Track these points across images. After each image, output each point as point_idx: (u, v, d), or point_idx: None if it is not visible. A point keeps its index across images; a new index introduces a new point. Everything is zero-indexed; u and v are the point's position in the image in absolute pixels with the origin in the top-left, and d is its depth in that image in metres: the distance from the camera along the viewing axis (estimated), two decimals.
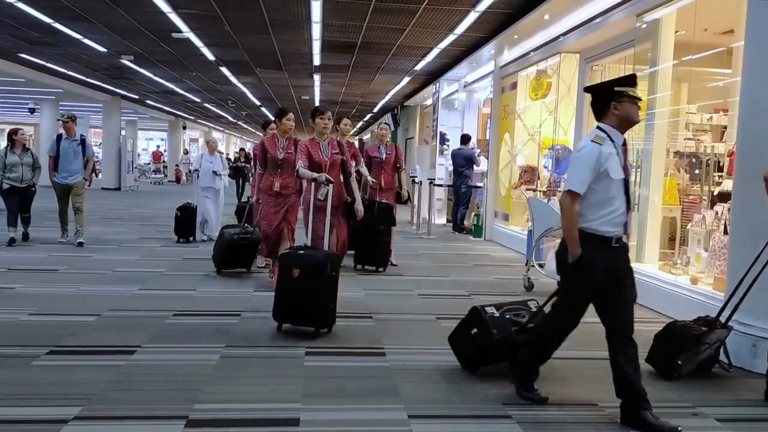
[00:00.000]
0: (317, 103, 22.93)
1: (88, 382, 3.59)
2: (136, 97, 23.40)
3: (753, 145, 4.39)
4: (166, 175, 32.05)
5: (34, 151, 9.02)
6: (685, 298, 5.53)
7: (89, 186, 9.12)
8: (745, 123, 4.50)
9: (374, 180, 7.78)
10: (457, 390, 3.70)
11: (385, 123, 8.43)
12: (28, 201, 8.82)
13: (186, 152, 34.38)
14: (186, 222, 9.52)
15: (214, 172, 9.59)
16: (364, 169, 7.53)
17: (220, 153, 10.88)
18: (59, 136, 8.86)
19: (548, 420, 3.34)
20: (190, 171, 33.96)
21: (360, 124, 31.42)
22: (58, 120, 8.96)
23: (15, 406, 3.27)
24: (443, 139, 14.77)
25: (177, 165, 31.48)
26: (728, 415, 3.49)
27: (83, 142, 8.91)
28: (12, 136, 8.78)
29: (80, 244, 8.55)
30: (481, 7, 8.94)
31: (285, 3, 9.30)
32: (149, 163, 34.26)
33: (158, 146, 40.44)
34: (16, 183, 8.58)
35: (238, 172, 17.93)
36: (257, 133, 41.16)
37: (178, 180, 30.30)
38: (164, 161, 33.72)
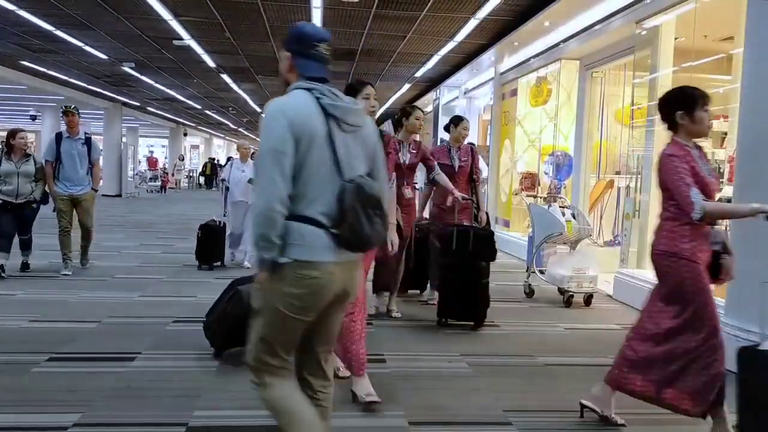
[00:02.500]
0: None
1: (88, 389, 3.59)
2: (138, 104, 23.46)
3: (753, 151, 4.40)
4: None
5: (38, 158, 7.21)
6: None
7: (96, 191, 7.39)
8: (745, 129, 4.51)
9: (463, 195, 5.64)
10: (457, 396, 3.69)
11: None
12: (26, 220, 6.98)
13: (181, 158, 34.10)
14: (210, 244, 7.76)
15: (252, 182, 7.57)
16: (443, 178, 5.60)
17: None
18: (59, 136, 7.12)
19: (549, 427, 3.33)
20: (190, 177, 34.27)
21: None
22: (62, 112, 7.23)
23: (15, 412, 3.26)
24: (442, 145, 14.77)
25: (165, 172, 30.10)
26: (730, 421, 3.47)
27: (89, 142, 7.19)
28: (9, 139, 6.92)
29: (84, 265, 7.34)
30: (482, 14, 8.97)
31: (285, 10, 9.34)
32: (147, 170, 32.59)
33: (151, 152, 37.19)
34: (9, 198, 6.73)
35: None
36: (258, 139, 41.24)
37: (163, 188, 28.11)
38: (165, 168, 33.12)
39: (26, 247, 7.14)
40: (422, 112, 5.67)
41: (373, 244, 2.30)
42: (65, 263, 7.13)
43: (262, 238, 2.15)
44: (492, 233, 5.46)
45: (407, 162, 5.39)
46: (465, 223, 5.70)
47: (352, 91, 3.54)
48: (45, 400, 3.45)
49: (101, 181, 7.58)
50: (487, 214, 6.19)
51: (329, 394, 2.45)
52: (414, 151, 5.43)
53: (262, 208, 2.14)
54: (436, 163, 5.57)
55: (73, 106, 7.22)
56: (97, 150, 7.33)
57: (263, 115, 2.24)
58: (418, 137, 5.68)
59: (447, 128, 6.12)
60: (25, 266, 7.15)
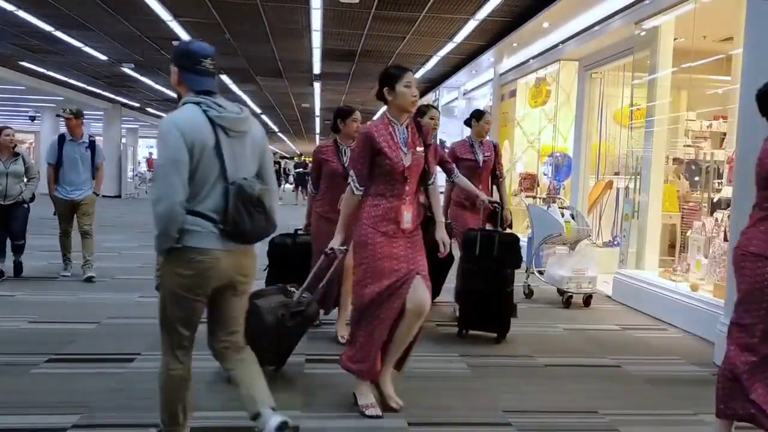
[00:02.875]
0: (317, 111, 23.01)
1: (87, 390, 3.59)
2: (137, 105, 23.45)
3: (752, 151, 4.38)
4: None
5: (28, 158, 6.93)
6: (685, 305, 5.52)
7: (98, 195, 7.09)
8: (744, 130, 4.51)
9: (489, 198, 5.36)
10: (457, 397, 3.68)
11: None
12: (18, 222, 6.69)
13: None
14: None
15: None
16: (463, 181, 5.21)
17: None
18: (61, 138, 6.80)
19: (548, 427, 3.33)
20: None
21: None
22: (58, 116, 6.82)
23: (14, 414, 3.26)
24: (443, 146, 14.78)
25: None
26: None
27: (92, 145, 6.89)
28: None
29: (90, 279, 6.77)
30: (481, 15, 8.98)
31: (285, 11, 9.34)
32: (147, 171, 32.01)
33: (151, 153, 36.04)
34: None
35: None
36: None
37: None
38: None
39: (19, 250, 6.83)
40: (437, 110, 5.36)
41: (256, 238, 2.67)
42: (65, 264, 7.04)
43: (164, 233, 2.50)
44: (517, 238, 5.10)
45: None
46: (488, 227, 5.36)
47: (391, 78, 3.30)
48: (44, 401, 3.44)
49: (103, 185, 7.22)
50: (510, 213, 5.83)
51: (245, 359, 2.80)
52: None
53: (165, 209, 2.47)
54: (454, 165, 5.20)
55: (71, 109, 6.82)
56: (101, 154, 7.05)
57: (159, 129, 2.60)
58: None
59: (468, 123, 5.79)
60: (18, 267, 6.86)
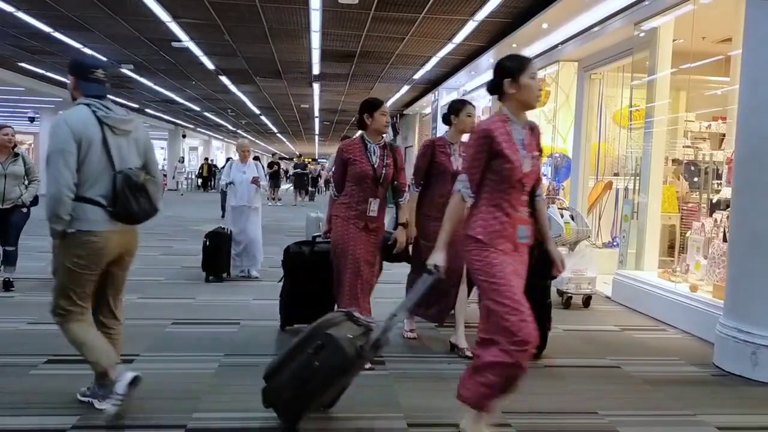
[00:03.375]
0: (316, 113, 23.02)
1: None
2: (136, 105, 23.45)
3: (751, 152, 4.40)
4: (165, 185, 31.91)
5: (29, 158, 6.44)
6: (685, 306, 5.52)
7: None
8: (743, 130, 4.52)
9: None
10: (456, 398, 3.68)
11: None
12: (13, 228, 6.18)
13: (182, 160, 34.00)
14: (219, 254, 7.06)
15: (256, 181, 7.28)
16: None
17: (257, 160, 8.39)
18: None
19: (548, 428, 3.33)
20: (188, 179, 34.19)
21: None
22: None
23: (13, 415, 3.26)
24: None
25: (163, 174, 29.61)
26: (728, 422, 3.48)
27: None
28: None
29: None
30: (480, 16, 8.98)
31: (284, 12, 9.34)
32: None
33: None
34: None
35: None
36: (258, 141, 41.23)
37: None
38: (163, 169, 32.91)
39: (10, 262, 6.23)
40: (473, 107, 4.71)
41: (141, 219, 3.18)
42: None
43: (55, 216, 3.00)
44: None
45: (460, 168, 4.38)
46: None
47: (513, 70, 2.90)
48: (43, 402, 3.44)
49: None
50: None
51: (119, 331, 3.40)
52: (465, 155, 4.59)
53: (54, 193, 2.97)
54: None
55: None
56: None
57: (51, 124, 3.09)
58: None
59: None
60: (7, 284, 6.22)
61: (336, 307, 4.31)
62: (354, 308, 3.86)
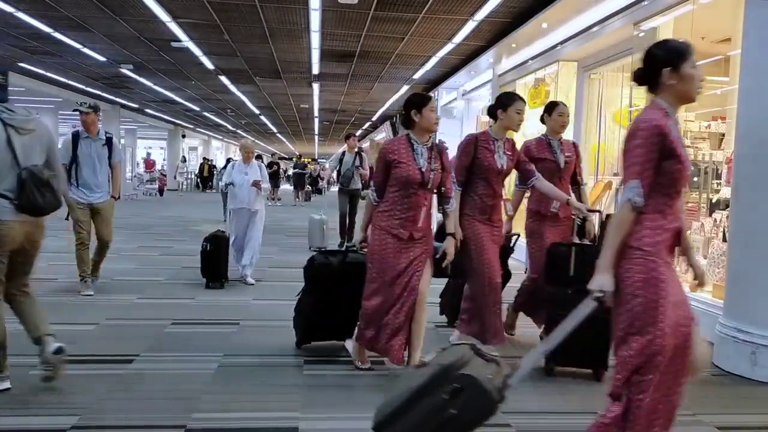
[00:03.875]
0: (316, 113, 23.01)
1: (86, 392, 3.59)
2: (136, 106, 23.45)
3: (750, 152, 4.40)
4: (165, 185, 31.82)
5: None
6: None
7: (117, 198, 6.42)
8: (743, 131, 4.52)
9: (587, 206, 4.74)
10: None
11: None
12: None
13: (184, 160, 33.97)
14: (218, 258, 6.81)
15: (257, 184, 7.02)
16: (546, 185, 4.51)
17: (258, 159, 7.83)
18: (75, 135, 6.18)
19: (548, 428, 3.33)
20: (188, 179, 34.20)
21: (359, 132, 31.51)
22: (75, 110, 6.20)
23: (14, 415, 3.26)
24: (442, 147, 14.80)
25: (163, 174, 28.99)
26: (728, 422, 3.48)
27: (110, 143, 6.25)
28: None
29: (93, 279, 6.34)
30: (480, 16, 8.98)
31: (284, 12, 9.34)
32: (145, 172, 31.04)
33: (148, 153, 35.14)
34: None
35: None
36: (258, 142, 41.20)
37: (160, 191, 26.66)
38: (163, 169, 32.54)
39: None
40: (524, 102, 4.43)
41: (46, 211, 3.52)
42: (84, 281, 6.18)
43: None
44: None
45: (504, 167, 4.28)
46: (577, 240, 4.59)
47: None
48: (43, 402, 3.44)
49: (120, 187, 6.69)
50: (594, 226, 4.85)
51: (30, 299, 3.72)
52: (509, 153, 4.34)
53: None
54: (533, 166, 4.48)
55: (88, 104, 6.21)
56: (119, 152, 6.44)
57: None
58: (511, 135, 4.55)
59: (541, 118, 4.83)
60: None
61: (357, 326, 4.01)
62: (372, 330, 3.83)
